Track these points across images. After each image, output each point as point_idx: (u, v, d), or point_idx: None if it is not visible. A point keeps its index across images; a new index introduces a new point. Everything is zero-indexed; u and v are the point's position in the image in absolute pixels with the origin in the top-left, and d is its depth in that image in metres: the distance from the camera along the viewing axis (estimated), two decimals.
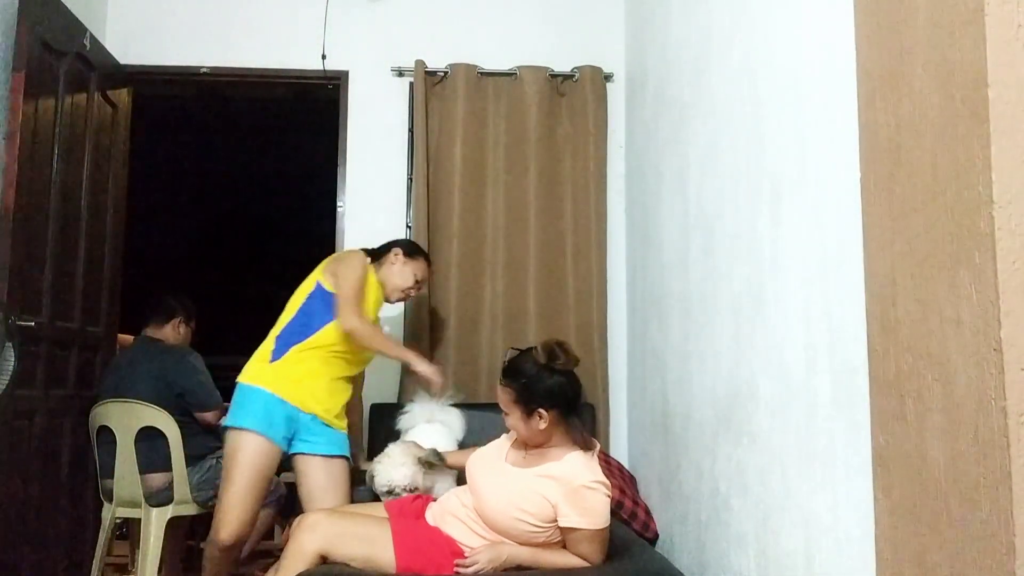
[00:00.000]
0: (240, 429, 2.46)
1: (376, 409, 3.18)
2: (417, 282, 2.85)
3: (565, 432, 2.07)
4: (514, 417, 2.07)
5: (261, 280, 7.52)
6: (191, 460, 3.08)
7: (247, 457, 2.44)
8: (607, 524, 2.00)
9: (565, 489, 1.96)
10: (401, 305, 3.22)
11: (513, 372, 2.08)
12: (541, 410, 2.02)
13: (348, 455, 2.65)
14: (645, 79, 3.26)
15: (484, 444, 2.31)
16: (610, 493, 2.00)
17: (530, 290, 3.50)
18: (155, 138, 5.31)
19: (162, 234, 6.91)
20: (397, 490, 2.43)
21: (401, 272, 2.81)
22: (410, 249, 2.88)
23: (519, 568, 2.01)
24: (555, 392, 2.03)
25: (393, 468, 2.45)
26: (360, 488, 2.67)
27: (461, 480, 2.29)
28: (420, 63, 3.58)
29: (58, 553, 3.05)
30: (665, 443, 2.76)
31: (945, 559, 1.15)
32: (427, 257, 2.96)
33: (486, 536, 2.05)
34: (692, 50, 2.57)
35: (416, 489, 2.43)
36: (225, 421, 2.55)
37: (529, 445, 2.11)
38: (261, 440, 2.45)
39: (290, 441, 2.53)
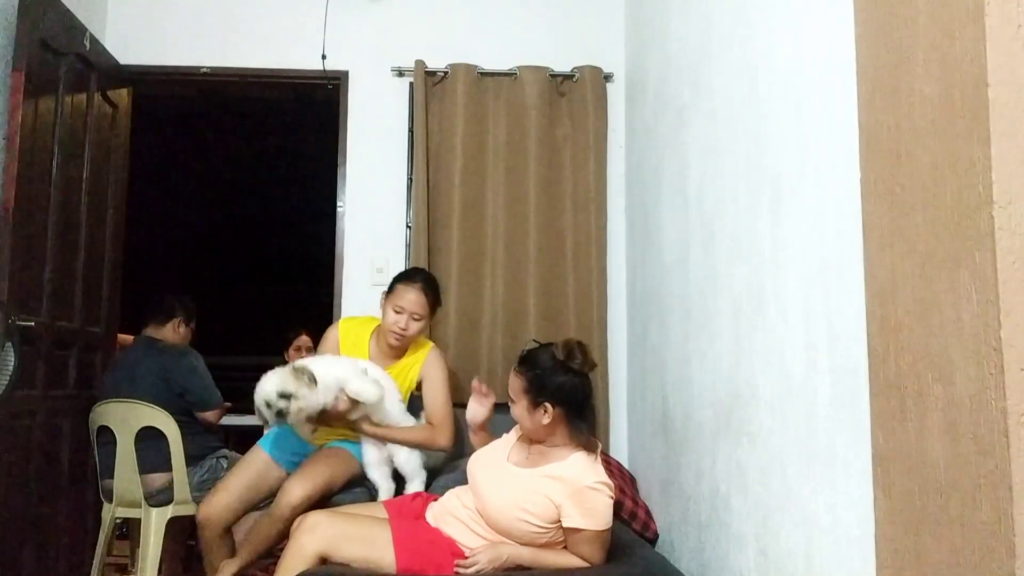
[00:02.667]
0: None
1: None
2: (398, 313, 2.67)
3: (568, 432, 2.07)
4: (520, 406, 2.07)
5: (261, 280, 7.53)
6: (191, 460, 3.09)
7: (249, 454, 2.76)
8: (609, 525, 1.99)
9: (569, 490, 1.96)
10: None
11: (529, 361, 2.09)
12: (547, 404, 2.02)
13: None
14: (645, 79, 3.26)
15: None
16: (613, 495, 2.00)
17: (530, 290, 3.50)
18: (155, 138, 5.32)
19: (162, 234, 6.92)
20: (267, 402, 2.38)
21: (384, 315, 2.71)
22: (389, 286, 2.74)
23: (520, 568, 2.01)
24: (565, 390, 2.03)
25: (266, 379, 2.43)
26: (358, 490, 2.67)
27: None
28: (420, 63, 3.58)
29: (58, 553, 3.05)
30: (665, 443, 2.76)
31: (945, 559, 1.15)
32: (406, 280, 2.72)
33: (487, 536, 2.05)
34: (692, 50, 2.57)
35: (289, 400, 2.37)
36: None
37: (532, 442, 2.12)
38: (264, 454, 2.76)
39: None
